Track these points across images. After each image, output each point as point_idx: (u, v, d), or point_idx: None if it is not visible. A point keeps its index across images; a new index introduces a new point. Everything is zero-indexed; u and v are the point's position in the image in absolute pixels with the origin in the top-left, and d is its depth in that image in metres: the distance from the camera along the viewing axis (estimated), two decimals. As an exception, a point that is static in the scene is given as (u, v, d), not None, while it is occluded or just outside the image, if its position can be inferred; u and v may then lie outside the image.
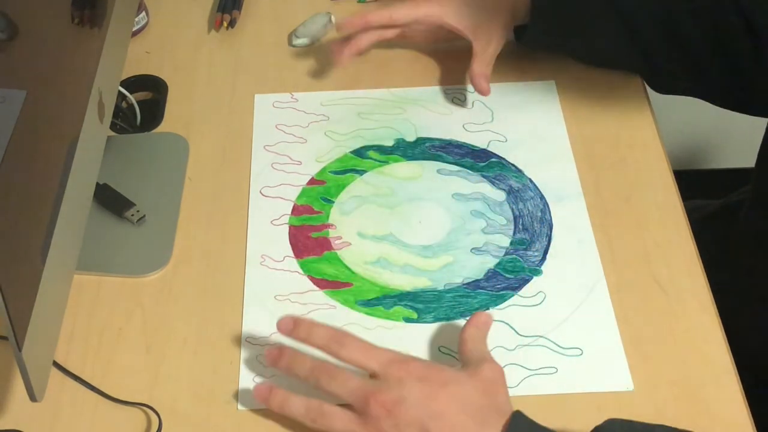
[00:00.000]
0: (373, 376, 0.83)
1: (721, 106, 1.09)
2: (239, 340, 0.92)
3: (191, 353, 0.91)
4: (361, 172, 1.06)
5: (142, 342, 0.92)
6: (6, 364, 0.90)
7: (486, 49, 1.09)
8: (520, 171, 1.05)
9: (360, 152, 1.08)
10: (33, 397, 0.76)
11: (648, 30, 1.04)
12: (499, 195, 1.03)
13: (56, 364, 0.90)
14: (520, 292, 0.95)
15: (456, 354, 0.90)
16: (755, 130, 1.16)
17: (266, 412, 0.87)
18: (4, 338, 0.75)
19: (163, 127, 1.11)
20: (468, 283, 0.96)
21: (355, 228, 1.01)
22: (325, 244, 1.00)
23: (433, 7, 1.10)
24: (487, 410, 0.79)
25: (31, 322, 0.75)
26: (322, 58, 1.18)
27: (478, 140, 1.09)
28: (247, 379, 0.89)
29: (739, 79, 1.03)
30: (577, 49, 1.11)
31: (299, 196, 1.04)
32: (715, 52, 1.03)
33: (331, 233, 1.01)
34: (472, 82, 1.10)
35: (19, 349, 0.73)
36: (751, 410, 0.87)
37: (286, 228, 1.01)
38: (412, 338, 0.92)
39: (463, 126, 1.10)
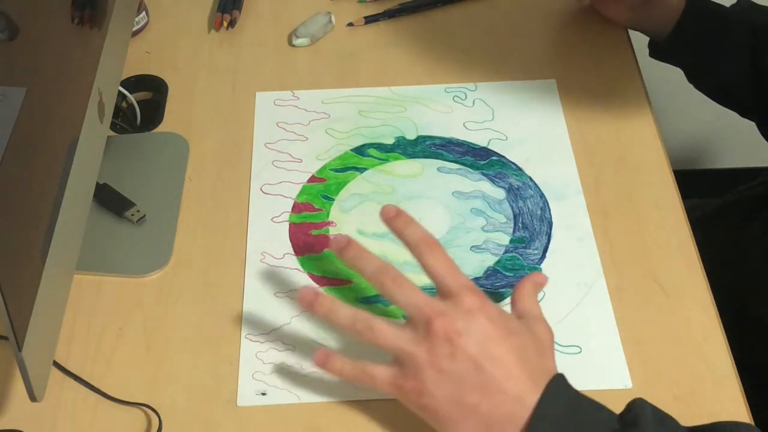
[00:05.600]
0: (444, 296, 0.80)
1: None
2: (239, 339, 0.92)
3: (191, 353, 0.91)
4: (362, 170, 1.06)
5: (142, 342, 0.92)
6: (6, 364, 0.90)
7: None
8: (520, 169, 1.06)
9: (360, 150, 1.08)
10: (33, 397, 0.76)
11: None
12: (499, 193, 1.03)
13: (56, 364, 0.90)
14: (520, 291, 0.95)
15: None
16: (756, 129, 1.16)
17: (267, 412, 0.87)
18: (4, 338, 0.75)
19: (163, 127, 1.11)
20: (468, 282, 0.96)
21: (355, 225, 1.01)
22: (325, 242, 1.00)
23: None
24: (538, 369, 0.78)
25: (31, 322, 0.75)
26: (323, 58, 1.18)
27: (479, 138, 1.09)
28: (247, 378, 0.89)
29: None
30: (699, 73, 1.11)
31: (300, 194, 1.04)
32: None
33: (332, 231, 1.01)
34: None
35: (19, 349, 0.73)
36: (751, 410, 0.87)
37: (287, 225, 1.01)
38: (412, 337, 0.92)
39: (464, 124, 1.10)
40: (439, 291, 0.80)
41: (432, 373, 0.77)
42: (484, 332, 0.77)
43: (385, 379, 0.79)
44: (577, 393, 0.78)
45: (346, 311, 0.81)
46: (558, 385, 0.77)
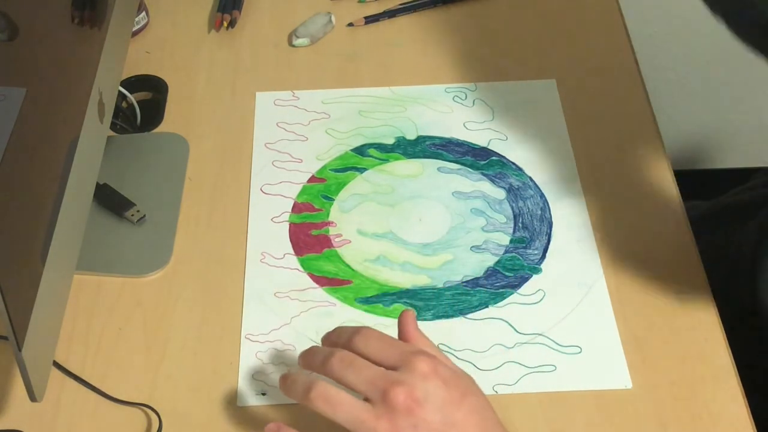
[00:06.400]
0: (394, 368, 0.75)
1: None
2: (239, 339, 0.92)
3: (191, 353, 0.91)
4: (362, 170, 1.06)
5: (142, 342, 0.92)
6: (6, 364, 0.90)
7: None
8: (520, 169, 1.06)
9: (360, 150, 1.08)
10: (33, 397, 0.76)
11: None
12: (499, 193, 1.03)
13: (56, 364, 0.90)
14: (520, 290, 0.95)
15: (456, 352, 0.90)
16: (755, 130, 1.16)
17: (266, 411, 0.87)
18: (4, 338, 0.75)
19: (163, 127, 1.11)
20: (467, 281, 0.96)
21: (355, 225, 1.01)
22: (325, 242, 1.00)
23: None
24: (494, 426, 0.76)
25: (31, 322, 0.75)
26: (322, 58, 1.18)
27: (479, 138, 1.09)
28: (247, 377, 0.89)
29: None
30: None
31: (300, 194, 1.04)
32: None
33: (332, 231, 1.01)
34: None
35: (19, 349, 0.73)
36: (751, 410, 0.87)
37: (287, 225, 1.01)
38: (412, 337, 0.92)
39: (464, 124, 1.10)
40: (388, 367, 0.76)
41: None
42: (442, 397, 0.74)
43: None
44: None
45: (302, 380, 0.76)
46: None
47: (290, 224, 1.01)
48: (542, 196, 1.03)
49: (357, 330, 0.78)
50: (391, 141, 1.09)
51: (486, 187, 1.04)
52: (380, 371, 0.75)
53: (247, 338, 0.92)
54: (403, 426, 0.73)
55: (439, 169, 1.06)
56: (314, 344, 0.91)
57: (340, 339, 0.79)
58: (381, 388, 0.73)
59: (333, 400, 0.74)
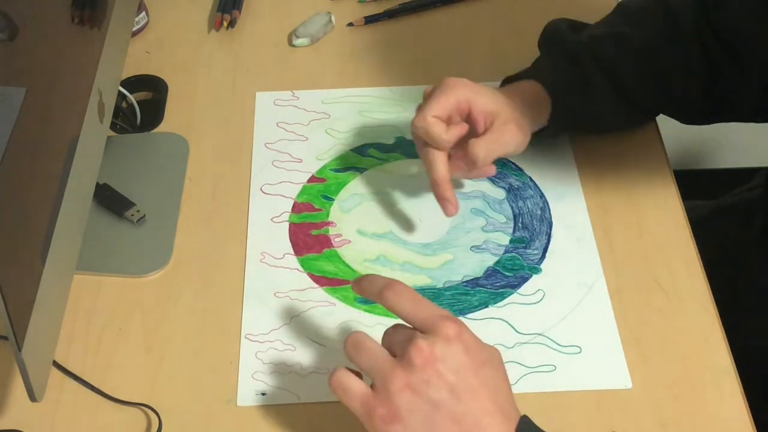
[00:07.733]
0: (421, 330, 0.77)
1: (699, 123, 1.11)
2: (239, 339, 0.92)
3: (191, 353, 0.91)
4: (362, 170, 1.06)
5: (142, 342, 0.92)
6: (6, 364, 0.90)
7: (500, 135, 0.95)
8: (520, 169, 1.05)
9: (360, 150, 1.08)
10: (33, 397, 0.76)
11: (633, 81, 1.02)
12: (499, 193, 1.03)
13: (56, 364, 0.90)
14: (520, 290, 0.95)
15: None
16: (755, 130, 1.16)
17: (266, 411, 0.87)
18: (4, 338, 0.75)
19: (163, 127, 1.11)
20: (467, 281, 0.96)
21: (355, 225, 1.01)
22: (325, 242, 1.00)
23: (462, 91, 0.96)
24: (505, 403, 0.77)
25: (31, 322, 0.75)
26: (322, 58, 1.18)
27: (478, 139, 1.09)
28: (247, 378, 0.89)
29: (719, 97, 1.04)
30: (588, 130, 1.07)
31: (300, 194, 1.04)
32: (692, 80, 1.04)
33: (331, 231, 1.01)
34: (471, 159, 0.95)
35: (19, 349, 0.73)
36: (750, 410, 0.87)
37: (287, 225, 1.01)
38: (412, 337, 0.92)
39: (464, 125, 1.10)
40: (416, 328, 0.78)
41: (407, 397, 0.74)
42: (461, 361, 0.75)
43: (358, 395, 0.76)
44: None
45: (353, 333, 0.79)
46: (528, 429, 0.76)
47: (290, 224, 1.01)
48: (542, 196, 1.03)
49: (389, 284, 0.79)
50: (390, 141, 1.09)
51: (486, 187, 1.04)
52: (411, 331, 0.77)
53: (247, 338, 0.92)
54: (416, 380, 0.74)
55: (439, 169, 1.06)
56: (314, 344, 0.91)
57: (371, 287, 0.81)
58: (404, 342, 0.76)
59: (361, 346, 0.77)
